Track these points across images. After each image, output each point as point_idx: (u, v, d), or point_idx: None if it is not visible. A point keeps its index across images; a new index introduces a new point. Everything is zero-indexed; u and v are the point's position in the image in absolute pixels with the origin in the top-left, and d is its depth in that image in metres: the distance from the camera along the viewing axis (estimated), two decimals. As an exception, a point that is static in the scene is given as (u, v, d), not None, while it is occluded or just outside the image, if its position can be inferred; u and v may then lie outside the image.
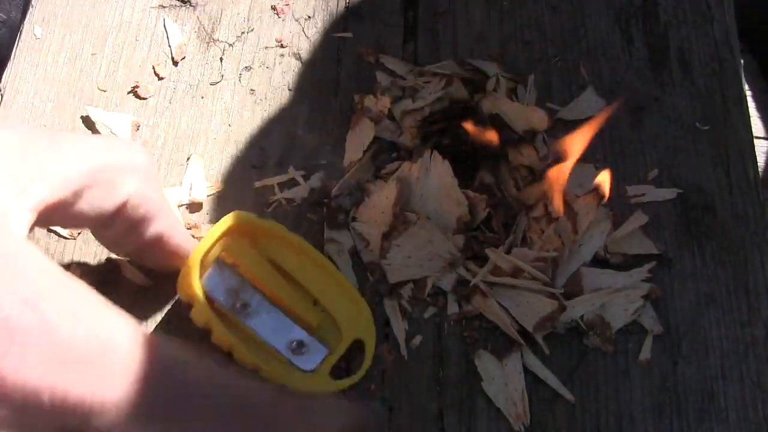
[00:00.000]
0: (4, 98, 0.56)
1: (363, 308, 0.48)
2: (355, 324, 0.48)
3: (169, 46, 0.59)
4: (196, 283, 0.45)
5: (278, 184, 0.54)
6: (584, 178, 0.55)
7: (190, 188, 0.53)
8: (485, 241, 0.52)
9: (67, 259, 0.50)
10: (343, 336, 0.48)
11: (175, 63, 0.58)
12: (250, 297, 0.47)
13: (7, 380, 0.31)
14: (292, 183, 0.54)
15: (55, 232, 0.51)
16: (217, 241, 0.47)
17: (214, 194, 0.54)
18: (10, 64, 0.57)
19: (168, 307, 0.49)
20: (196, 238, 0.50)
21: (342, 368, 0.48)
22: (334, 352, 0.47)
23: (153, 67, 0.58)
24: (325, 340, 0.48)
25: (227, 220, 0.47)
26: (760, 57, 1.22)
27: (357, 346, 0.48)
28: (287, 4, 0.61)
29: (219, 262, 0.47)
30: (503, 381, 0.48)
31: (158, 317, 0.49)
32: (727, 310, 0.52)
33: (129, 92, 0.57)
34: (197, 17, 0.60)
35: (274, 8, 0.61)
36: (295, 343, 0.47)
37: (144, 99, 0.57)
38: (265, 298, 0.48)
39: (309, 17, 0.60)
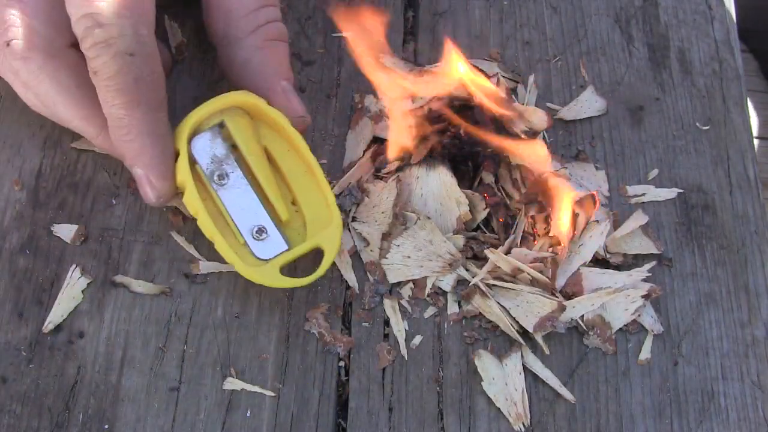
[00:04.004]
0: (3, 97, 0.55)
1: (335, 219, 0.48)
2: (323, 231, 0.48)
3: (169, 45, 0.59)
4: (183, 138, 0.46)
5: (278, 183, 0.54)
6: (584, 178, 0.55)
7: None
8: (485, 241, 0.52)
9: (67, 259, 0.50)
10: (307, 239, 0.48)
11: (175, 63, 0.58)
12: (231, 171, 0.48)
13: None
14: (292, 183, 0.54)
15: (56, 234, 0.51)
16: (220, 108, 0.48)
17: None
18: (9, 64, 0.57)
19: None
20: None
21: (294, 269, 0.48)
22: (292, 250, 0.47)
23: (153, 67, 0.58)
24: (288, 237, 0.48)
25: (236, 95, 0.48)
26: (760, 57, 1.22)
27: (319, 255, 0.48)
28: (287, 4, 0.61)
29: (214, 129, 0.48)
30: (503, 381, 0.48)
31: (158, 318, 0.49)
32: (727, 310, 0.52)
33: (129, 92, 0.57)
34: (197, 17, 0.60)
35: (274, 8, 0.61)
36: (257, 228, 0.47)
37: (144, 99, 0.57)
38: (246, 177, 0.48)
39: (309, 17, 0.60)
